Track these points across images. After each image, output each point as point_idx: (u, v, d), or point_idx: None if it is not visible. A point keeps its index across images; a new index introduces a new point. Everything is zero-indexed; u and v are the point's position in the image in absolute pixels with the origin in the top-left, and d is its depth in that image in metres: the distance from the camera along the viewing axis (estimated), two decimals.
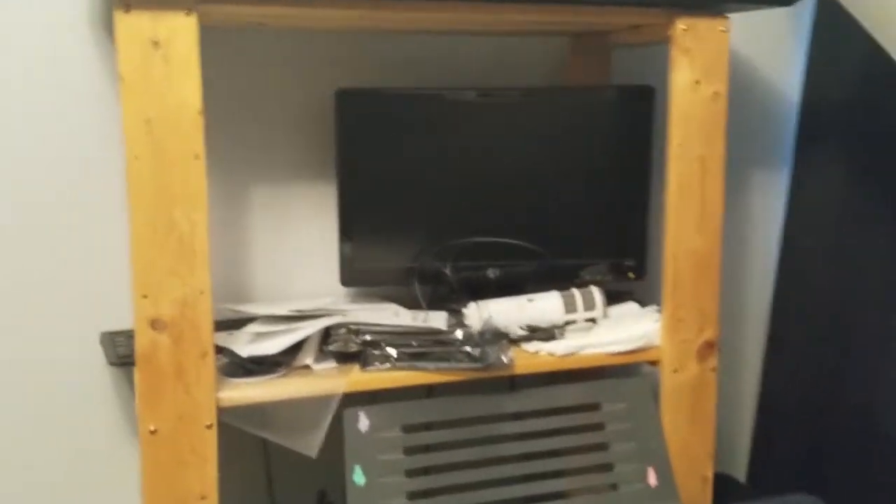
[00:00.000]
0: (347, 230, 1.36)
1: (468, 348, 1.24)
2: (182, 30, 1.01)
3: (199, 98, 1.03)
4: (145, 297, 1.04)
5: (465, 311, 1.34)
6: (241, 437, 1.36)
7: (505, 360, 1.24)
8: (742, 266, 1.73)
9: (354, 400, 1.19)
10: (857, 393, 1.53)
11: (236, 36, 1.35)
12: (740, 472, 1.79)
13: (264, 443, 1.41)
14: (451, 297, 1.40)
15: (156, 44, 1.01)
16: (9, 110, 1.25)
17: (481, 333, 1.28)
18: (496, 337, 1.28)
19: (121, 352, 1.20)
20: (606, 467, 1.28)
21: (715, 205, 1.30)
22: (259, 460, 1.42)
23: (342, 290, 1.45)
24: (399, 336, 1.24)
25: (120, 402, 1.35)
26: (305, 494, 1.44)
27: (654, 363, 1.33)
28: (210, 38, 1.32)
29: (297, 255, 1.44)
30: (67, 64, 1.26)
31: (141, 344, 1.05)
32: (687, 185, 1.29)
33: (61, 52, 1.26)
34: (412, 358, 1.23)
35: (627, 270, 1.45)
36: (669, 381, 1.32)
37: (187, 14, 1.01)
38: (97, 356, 1.31)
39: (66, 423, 1.33)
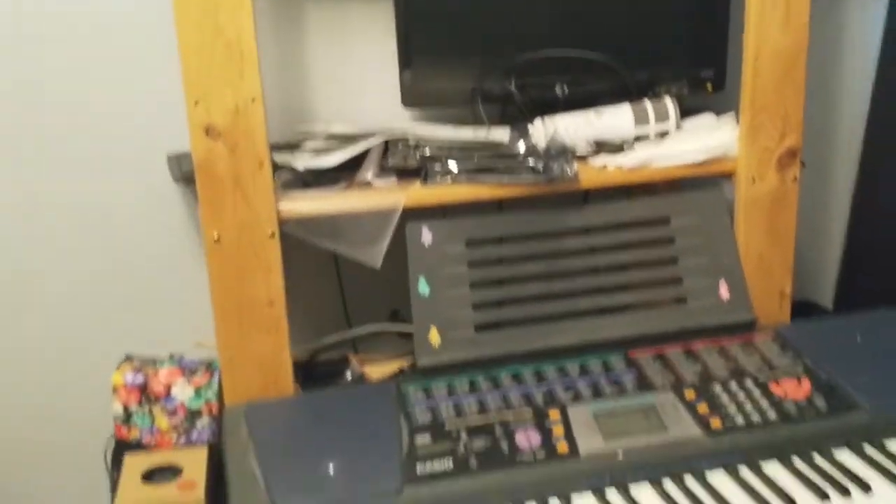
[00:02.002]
0: (408, 47, 1.31)
1: (531, 161, 1.20)
2: None
3: None
4: (197, 103, 1.03)
5: (530, 127, 1.29)
6: (314, 263, 1.39)
7: (569, 172, 1.20)
8: (835, 74, 1.59)
9: (420, 216, 1.18)
10: None
11: None
12: (826, 300, 1.72)
13: (336, 265, 1.43)
14: (518, 118, 1.35)
15: None
16: None
17: (546, 149, 1.23)
18: (561, 151, 1.23)
19: (185, 169, 1.22)
20: (676, 281, 1.24)
21: None
22: (332, 282, 1.45)
23: (406, 114, 1.42)
24: (460, 151, 1.21)
25: (188, 217, 1.39)
26: (379, 313, 1.47)
27: (730, 175, 1.26)
28: None
29: (360, 76, 1.40)
30: None
31: (198, 152, 1.05)
32: None
33: None
34: (473, 172, 1.20)
35: (705, 81, 1.36)
36: (746, 192, 1.25)
37: None
38: (165, 176, 1.34)
39: (136, 237, 1.39)
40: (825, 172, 1.65)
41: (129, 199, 1.36)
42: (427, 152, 1.20)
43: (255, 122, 1.06)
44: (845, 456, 1.04)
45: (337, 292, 1.46)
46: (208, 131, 1.05)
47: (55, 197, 1.35)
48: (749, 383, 1.12)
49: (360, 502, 0.95)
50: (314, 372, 1.32)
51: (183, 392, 1.11)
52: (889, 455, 1.03)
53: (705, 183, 1.29)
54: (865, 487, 0.97)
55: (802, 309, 1.46)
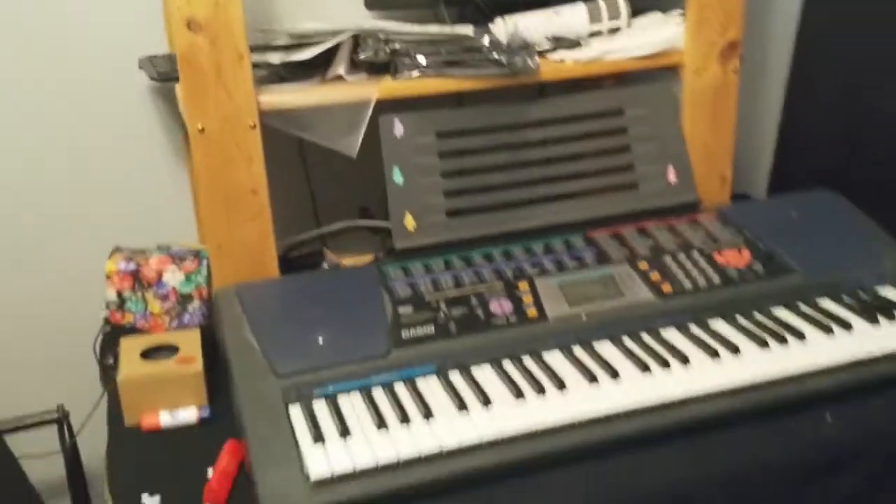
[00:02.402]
0: None
1: (495, 55, 1.27)
2: None
3: None
4: None
5: (491, 25, 1.35)
6: (282, 164, 1.44)
7: (532, 65, 1.27)
8: None
9: (389, 110, 1.25)
10: (890, 115, 1.53)
11: None
12: (760, 193, 1.85)
13: (304, 166, 1.49)
14: (478, 19, 1.41)
15: None
16: None
17: (508, 44, 1.30)
18: (523, 46, 1.30)
19: (160, 69, 1.25)
20: (628, 168, 1.34)
21: None
22: (301, 183, 1.50)
23: (369, 17, 1.46)
24: (428, 45, 1.27)
25: (163, 116, 1.44)
26: (347, 212, 1.53)
27: (677, 68, 1.36)
28: None
29: None
30: None
31: (180, 46, 1.09)
32: None
33: None
34: (441, 65, 1.26)
35: None
36: (691, 83, 1.35)
37: None
38: (139, 78, 1.37)
39: (116, 133, 1.44)
40: (760, 70, 1.76)
41: (110, 100, 1.40)
42: (396, 46, 1.26)
43: (234, 14, 1.10)
44: (782, 312, 1.17)
45: (306, 192, 1.52)
46: (190, 24, 1.08)
47: (36, 103, 1.37)
48: (695, 254, 1.23)
49: (353, 363, 1.04)
50: (291, 266, 1.39)
51: (174, 277, 1.17)
52: (821, 311, 1.17)
53: (655, 76, 1.38)
54: (800, 336, 1.10)
55: (736, 201, 1.58)
